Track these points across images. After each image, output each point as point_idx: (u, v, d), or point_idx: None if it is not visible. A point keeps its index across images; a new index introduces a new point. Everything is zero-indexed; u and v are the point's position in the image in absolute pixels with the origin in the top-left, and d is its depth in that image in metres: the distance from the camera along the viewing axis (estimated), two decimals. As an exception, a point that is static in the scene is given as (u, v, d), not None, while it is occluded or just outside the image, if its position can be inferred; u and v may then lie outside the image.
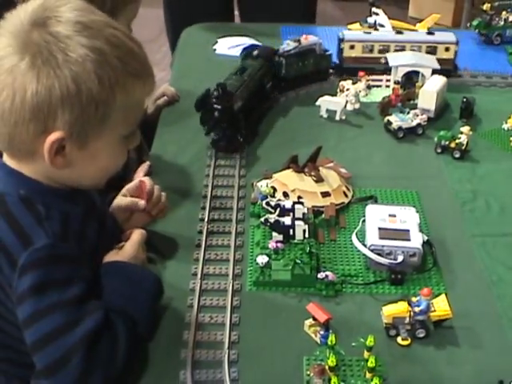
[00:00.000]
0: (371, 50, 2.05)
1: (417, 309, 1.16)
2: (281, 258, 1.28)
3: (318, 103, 1.86)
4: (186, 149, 1.71)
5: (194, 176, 1.60)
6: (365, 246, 1.33)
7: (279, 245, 1.29)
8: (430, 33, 2.11)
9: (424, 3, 4.40)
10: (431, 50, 2.04)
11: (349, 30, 2.19)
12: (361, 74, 1.96)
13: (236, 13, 2.84)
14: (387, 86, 1.99)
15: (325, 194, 1.48)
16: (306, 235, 1.31)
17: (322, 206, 1.45)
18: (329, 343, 1.09)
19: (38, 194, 1.10)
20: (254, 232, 1.40)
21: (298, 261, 1.27)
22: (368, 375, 1.08)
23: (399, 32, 2.11)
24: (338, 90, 1.92)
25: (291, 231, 1.31)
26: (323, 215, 1.43)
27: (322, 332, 1.14)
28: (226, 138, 1.66)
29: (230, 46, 2.25)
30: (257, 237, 1.37)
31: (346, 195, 1.52)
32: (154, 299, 1.18)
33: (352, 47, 2.05)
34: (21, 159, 1.11)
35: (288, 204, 1.36)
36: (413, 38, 2.07)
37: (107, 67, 1.05)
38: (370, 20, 2.24)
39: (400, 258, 1.29)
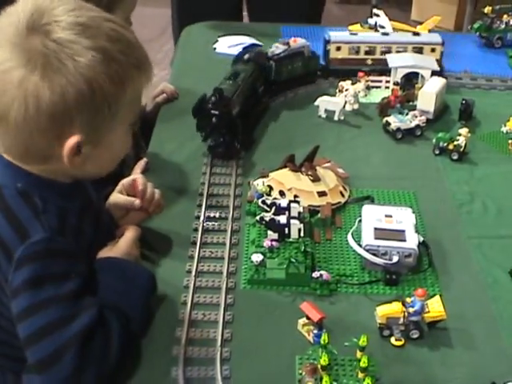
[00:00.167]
0: (357, 52, 2.04)
1: (411, 309, 1.16)
2: (276, 256, 1.28)
3: (316, 103, 1.85)
4: (184, 146, 1.70)
5: (191, 174, 1.60)
6: (360, 245, 1.32)
7: (274, 243, 1.29)
8: (416, 34, 2.10)
9: (426, 6, 4.39)
10: (417, 51, 2.02)
11: (349, 30, 2.18)
12: (360, 74, 1.96)
13: (244, 13, 2.84)
14: (386, 87, 1.98)
15: (321, 194, 1.48)
16: (302, 234, 1.31)
17: (319, 206, 1.45)
18: (321, 342, 1.09)
19: (36, 188, 1.10)
20: (249, 230, 1.39)
21: (293, 259, 1.26)
22: (360, 375, 1.08)
23: (385, 33, 2.10)
24: (337, 91, 1.92)
25: (286, 230, 1.31)
26: (319, 214, 1.43)
27: (315, 331, 1.14)
28: (224, 145, 1.63)
29: (231, 45, 2.24)
30: (252, 235, 1.37)
31: (343, 195, 1.52)
32: (148, 296, 1.18)
33: (338, 49, 2.03)
34: (30, 163, 1.10)
35: (284, 203, 1.36)
36: (399, 39, 2.06)
37: (114, 64, 1.05)
38: (371, 21, 2.25)
39: (395, 259, 1.29)
